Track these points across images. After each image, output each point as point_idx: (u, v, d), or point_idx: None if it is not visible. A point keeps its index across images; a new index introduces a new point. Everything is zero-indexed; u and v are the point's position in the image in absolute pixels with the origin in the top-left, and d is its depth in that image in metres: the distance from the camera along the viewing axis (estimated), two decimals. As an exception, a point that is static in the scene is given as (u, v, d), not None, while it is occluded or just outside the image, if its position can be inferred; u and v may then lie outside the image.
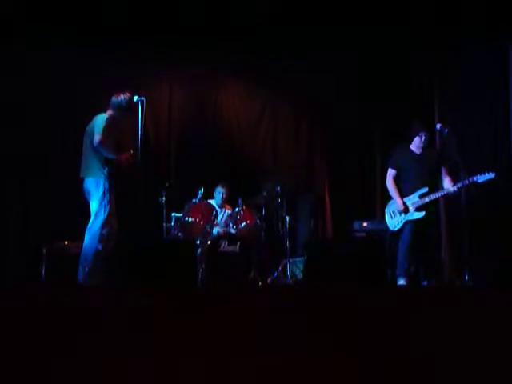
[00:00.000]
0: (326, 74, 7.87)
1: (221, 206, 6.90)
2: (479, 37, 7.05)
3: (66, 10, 6.69)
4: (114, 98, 5.27)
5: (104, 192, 5.02)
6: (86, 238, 5.03)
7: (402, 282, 5.54)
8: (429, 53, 7.55)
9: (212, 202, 6.82)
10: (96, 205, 5.03)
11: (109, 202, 5.04)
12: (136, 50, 7.26)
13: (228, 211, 6.81)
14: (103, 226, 4.99)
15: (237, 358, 1.93)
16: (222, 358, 1.92)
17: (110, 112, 5.23)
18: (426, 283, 5.57)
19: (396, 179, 5.90)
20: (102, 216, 5.00)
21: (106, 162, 5.07)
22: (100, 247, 4.95)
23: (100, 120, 5.11)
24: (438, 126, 5.77)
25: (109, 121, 5.11)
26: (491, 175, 5.43)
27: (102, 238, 4.97)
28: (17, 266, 6.46)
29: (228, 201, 7.00)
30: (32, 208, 6.73)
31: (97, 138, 4.99)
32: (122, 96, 5.25)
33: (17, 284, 5.49)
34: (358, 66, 7.74)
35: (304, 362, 1.93)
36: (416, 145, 5.88)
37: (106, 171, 5.05)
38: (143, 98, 5.23)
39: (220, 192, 6.94)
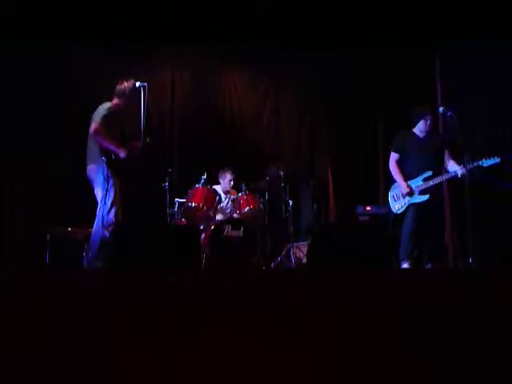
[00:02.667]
0: (328, 60, 7.86)
1: (227, 192, 6.89)
2: (482, 21, 6.97)
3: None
4: (117, 86, 5.27)
5: (105, 178, 4.98)
6: (95, 223, 5.03)
7: (405, 265, 5.55)
8: (432, 35, 7.50)
9: (217, 187, 6.82)
10: (100, 191, 5.02)
11: (111, 187, 5.02)
12: (138, 37, 7.24)
13: (233, 196, 6.80)
14: (109, 212, 4.97)
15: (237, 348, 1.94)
16: (221, 351, 1.92)
17: (115, 101, 5.23)
18: (429, 266, 5.57)
19: (399, 163, 5.87)
20: (107, 202, 4.97)
21: (105, 150, 5.04)
22: (107, 234, 4.92)
23: (101, 109, 5.10)
24: (441, 109, 5.74)
25: (110, 110, 5.10)
26: (496, 160, 5.39)
27: (109, 225, 4.95)
28: (21, 251, 6.49)
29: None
30: (36, 194, 6.74)
31: (92, 126, 4.97)
32: (125, 84, 5.25)
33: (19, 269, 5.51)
34: (360, 51, 7.69)
35: (306, 346, 1.94)
36: (420, 128, 5.85)
37: (104, 158, 5.01)
38: (145, 84, 5.21)
39: (228, 178, 6.92)
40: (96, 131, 4.96)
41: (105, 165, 4.99)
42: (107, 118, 5.02)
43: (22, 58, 6.89)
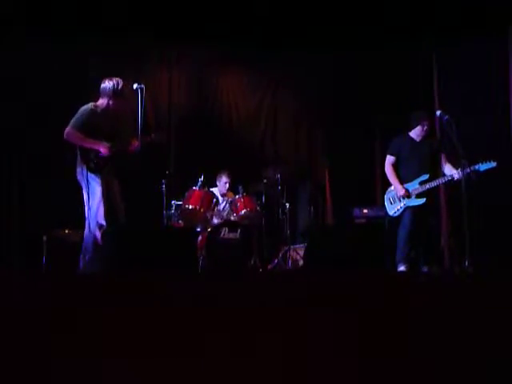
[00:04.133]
0: (326, 62, 7.87)
1: (224, 195, 6.89)
2: (479, 25, 6.98)
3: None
4: (101, 85, 5.14)
5: (86, 180, 4.89)
6: (85, 227, 4.96)
7: (401, 268, 5.56)
8: (429, 41, 7.53)
9: (215, 190, 6.82)
10: (84, 193, 4.94)
11: (94, 189, 4.91)
12: (136, 38, 7.23)
13: (230, 199, 6.79)
14: (96, 214, 4.87)
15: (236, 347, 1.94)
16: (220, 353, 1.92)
17: (99, 100, 5.12)
18: (425, 269, 5.58)
19: (396, 166, 5.89)
20: (92, 204, 4.89)
21: (83, 152, 4.96)
22: (98, 236, 4.85)
23: (79, 111, 5.01)
24: (438, 112, 5.74)
25: (88, 111, 4.99)
26: (493, 164, 5.40)
27: (98, 226, 4.86)
28: (17, 254, 6.47)
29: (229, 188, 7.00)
30: (32, 196, 6.73)
31: (66, 129, 4.90)
32: (107, 82, 5.11)
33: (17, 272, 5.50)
34: (358, 54, 7.71)
35: (304, 348, 1.94)
36: (417, 133, 5.87)
37: (82, 164, 4.94)
38: (142, 86, 5.12)
39: (224, 181, 6.92)
40: (66, 134, 4.90)
41: (84, 168, 4.92)
42: (81, 119, 4.93)
43: (21, 57, 6.88)
